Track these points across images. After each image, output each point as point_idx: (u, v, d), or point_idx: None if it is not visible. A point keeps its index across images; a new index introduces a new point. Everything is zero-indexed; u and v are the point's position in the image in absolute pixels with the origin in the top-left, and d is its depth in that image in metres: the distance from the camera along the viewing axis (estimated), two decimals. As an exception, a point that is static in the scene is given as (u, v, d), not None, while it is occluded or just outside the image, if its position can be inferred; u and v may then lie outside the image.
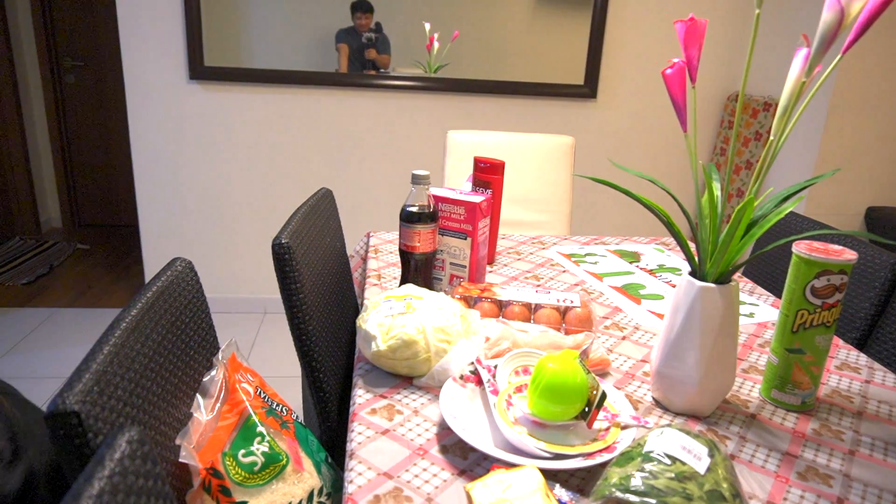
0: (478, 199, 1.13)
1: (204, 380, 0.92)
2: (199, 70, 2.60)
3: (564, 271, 1.44)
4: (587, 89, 2.82)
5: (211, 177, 2.74)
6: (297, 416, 1.03)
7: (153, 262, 2.84)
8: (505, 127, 2.84)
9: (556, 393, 0.76)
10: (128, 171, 4.01)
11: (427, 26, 2.69)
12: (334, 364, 1.27)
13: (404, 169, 2.84)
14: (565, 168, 2.06)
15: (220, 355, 0.96)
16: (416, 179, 1.09)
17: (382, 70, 2.72)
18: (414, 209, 1.10)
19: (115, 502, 0.50)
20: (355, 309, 1.55)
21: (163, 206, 2.75)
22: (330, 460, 1.02)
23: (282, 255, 1.09)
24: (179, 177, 2.72)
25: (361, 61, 2.69)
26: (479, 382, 0.89)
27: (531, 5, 2.68)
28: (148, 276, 2.87)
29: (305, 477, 0.91)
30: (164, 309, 0.86)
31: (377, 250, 1.48)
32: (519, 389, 0.86)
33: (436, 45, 2.75)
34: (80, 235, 3.94)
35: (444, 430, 0.82)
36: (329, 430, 1.21)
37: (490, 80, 2.76)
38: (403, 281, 1.15)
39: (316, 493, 0.91)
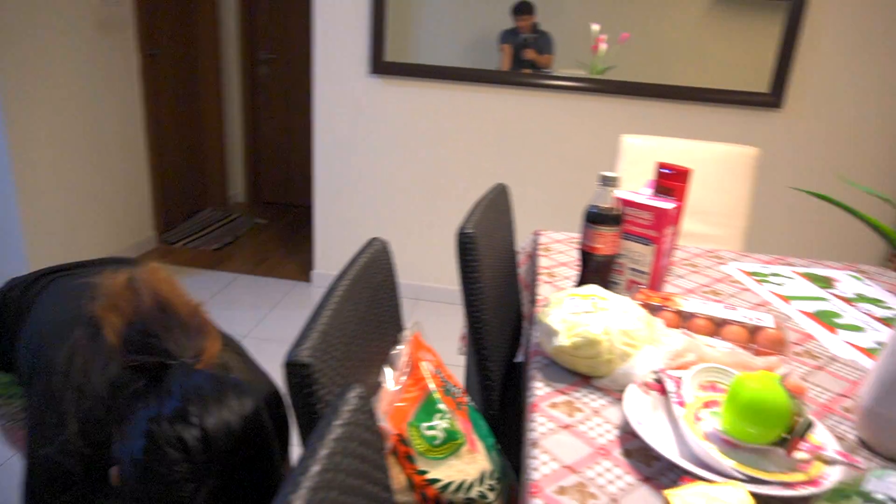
0: (667, 205, 1.10)
1: (392, 353, 0.99)
2: (380, 65, 2.76)
3: (746, 289, 1.35)
4: (772, 97, 2.62)
5: (383, 165, 2.90)
6: (469, 400, 1.07)
7: (322, 241, 3.07)
8: (675, 133, 2.72)
9: (755, 414, 0.73)
10: (305, 155, 4.36)
11: (595, 27, 2.64)
12: (500, 354, 1.30)
13: (568, 169, 2.82)
14: (746, 181, 1.93)
15: (406, 332, 1.03)
16: (605, 181, 1.08)
17: (543, 70, 2.72)
18: (599, 210, 1.09)
19: (347, 448, 0.55)
20: (518, 304, 1.58)
21: (336, 189, 2.97)
22: (498, 446, 1.05)
23: (466, 244, 1.13)
24: (354, 163, 2.91)
25: (521, 61, 2.72)
26: (663, 392, 0.87)
27: (706, 7, 2.53)
28: (317, 254, 3.11)
29: (478, 458, 0.94)
30: (366, 282, 0.93)
31: (548, 248, 1.49)
32: (707, 405, 0.83)
33: (602, 46, 2.69)
34: (260, 211, 4.36)
35: (627, 434, 0.81)
36: (491, 418, 1.24)
37: (662, 83, 2.65)
38: (581, 281, 1.15)
39: (487, 475, 0.94)
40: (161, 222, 3.59)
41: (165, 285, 0.94)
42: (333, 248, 3.09)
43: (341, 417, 0.56)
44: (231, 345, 1.02)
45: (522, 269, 1.66)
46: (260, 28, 4.17)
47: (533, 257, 1.62)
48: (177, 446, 0.72)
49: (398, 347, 1.00)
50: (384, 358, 0.97)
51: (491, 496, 0.93)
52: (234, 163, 4.42)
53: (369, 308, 0.92)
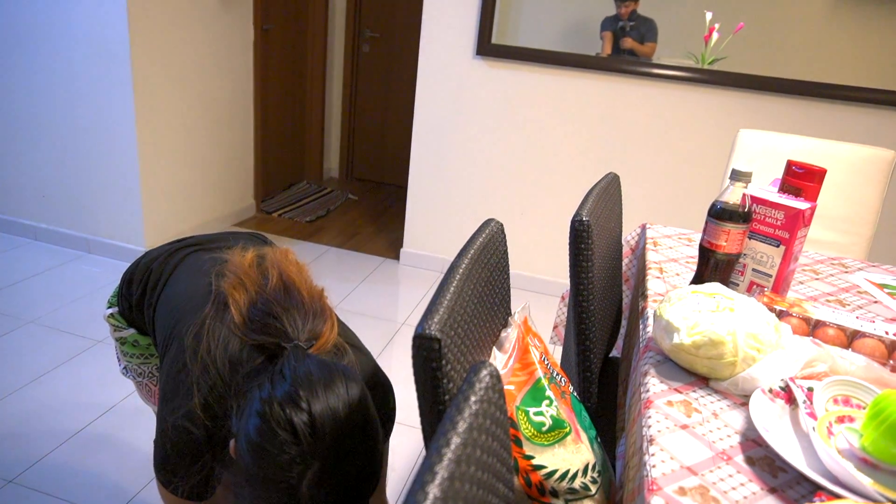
0: (802, 205, 1.03)
1: (502, 335, 0.99)
2: (486, 47, 2.74)
3: (875, 302, 1.26)
4: (910, 97, 2.40)
5: (481, 149, 2.90)
6: (572, 390, 1.05)
7: (413, 220, 3.12)
8: (795, 131, 2.55)
9: (904, 435, 0.67)
10: (401, 135, 4.42)
11: (709, 16, 2.51)
12: (601, 347, 1.27)
13: (675, 161, 2.71)
14: (877, 185, 1.79)
15: (515, 315, 1.02)
16: (736, 175, 1.03)
17: (645, 59, 2.62)
18: (726, 206, 1.04)
19: (483, 426, 0.56)
20: (620, 297, 1.54)
21: (432, 170, 2.99)
22: (598, 439, 1.03)
23: (581, 232, 1.11)
24: (451, 145, 2.93)
25: (621, 49, 2.63)
26: (790, 401, 0.83)
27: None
28: (407, 233, 3.16)
29: (583, 449, 0.93)
30: (483, 263, 0.94)
31: (656, 243, 1.44)
32: (841, 419, 0.78)
33: (715, 36, 2.56)
34: (353, 187, 4.47)
35: (750, 441, 0.77)
36: (588, 411, 1.22)
37: (782, 77, 2.49)
38: (697, 278, 1.10)
39: (591, 467, 0.93)
40: (261, 192, 3.75)
41: (293, 268, 0.98)
42: (424, 228, 3.13)
43: (476, 394, 0.57)
44: (347, 334, 1.05)
45: (625, 262, 1.61)
46: (366, 7, 4.25)
47: (638, 251, 1.58)
48: (286, 428, 0.75)
49: (508, 330, 0.99)
50: (495, 339, 0.98)
51: (593, 489, 0.92)
52: (331, 138, 4.55)
53: (485, 288, 0.92)
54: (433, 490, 0.44)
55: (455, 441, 0.50)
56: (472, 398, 0.56)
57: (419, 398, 0.71)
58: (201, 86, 3.00)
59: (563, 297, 1.71)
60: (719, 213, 1.04)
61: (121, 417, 1.91)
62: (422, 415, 0.73)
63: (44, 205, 2.97)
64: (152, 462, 0.96)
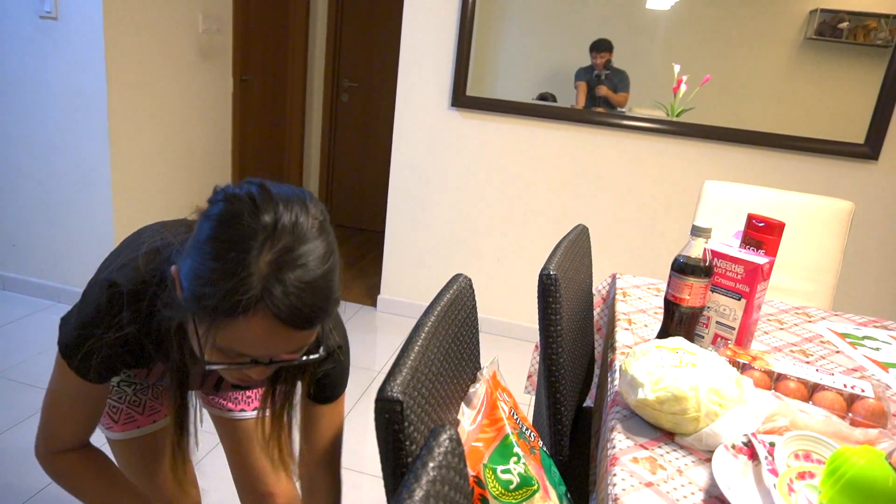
0: (761, 260, 1.06)
1: (470, 390, 0.99)
2: (461, 99, 2.81)
3: (838, 352, 1.28)
4: (867, 149, 2.51)
5: (457, 197, 2.94)
6: (542, 445, 1.05)
7: (391, 267, 3.13)
8: (759, 181, 2.64)
9: (861, 493, 0.68)
10: (379, 182, 4.47)
11: (677, 68, 2.61)
12: (572, 398, 1.28)
13: (645, 212, 2.77)
14: (838, 236, 1.84)
15: (484, 371, 1.03)
16: (696, 231, 1.06)
17: (618, 109, 2.71)
18: (688, 261, 1.07)
19: (440, 493, 0.56)
20: (592, 347, 1.55)
21: (409, 217, 3.02)
22: (569, 495, 1.03)
23: (548, 286, 1.13)
24: (428, 193, 2.96)
25: (596, 98, 2.72)
26: (753, 456, 0.83)
27: (795, 51, 2.46)
28: (384, 279, 3.16)
29: (551, 507, 0.92)
30: (451, 319, 0.94)
31: (626, 294, 1.47)
32: (801, 475, 0.79)
33: (683, 87, 2.66)
34: (330, 233, 4.48)
35: (713, 499, 0.78)
36: (560, 464, 1.21)
37: (747, 129, 2.59)
38: (663, 331, 1.12)
39: (559, 525, 0.92)
40: (239, 238, 3.74)
41: None
42: (401, 274, 3.13)
43: (435, 459, 0.57)
44: None
45: (597, 312, 1.63)
46: (345, 58, 4.34)
47: (609, 300, 1.60)
48: (249, 201, 0.68)
49: (476, 385, 1.00)
50: (463, 395, 0.98)
51: (562, 547, 0.91)
52: (310, 184, 4.58)
53: (452, 345, 0.93)
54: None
55: (420, 492, 0.50)
56: (431, 464, 0.56)
57: (382, 460, 0.71)
58: (179, 135, 3.02)
59: (536, 347, 1.71)
60: (682, 268, 1.07)
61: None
62: (385, 477, 0.72)
63: (13, 254, 2.93)
64: (58, 347, 0.85)
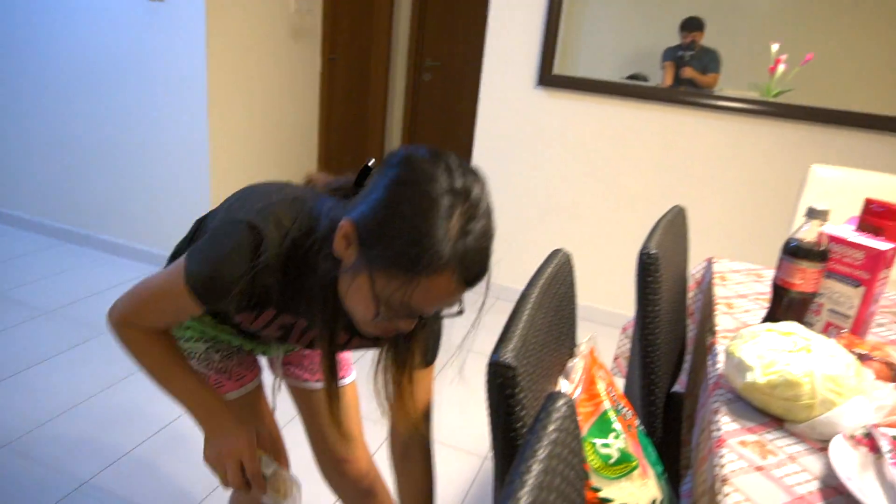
0: (884, 246, 1.00)
1: (568, 365, 0.99)
2: (547, 77, 2.77)
3: (961, 348, 1.20)
4: None
5: (541, 178, 2.91)
6: (638, 424, 1.04)
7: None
8: (868, 166, 2.46)
9: None
10: (455, 161, 4.48)
11: (775, 47, 2.47)
12: (665, 382, 1.25)
13: (739, 195, 2.65)
14: (961, 225, 1.70)
15: (582, 346, 1.02)
16: (812, 213, 1.01)
17: (706, 89, 2.59)
18: (802, 244, 1.02)
19: (560, 455, 0.56)
20: (684, 332, 1.51)
21: (493, 199, 3.02)
22: (666, 475, 1.01)
23: (648, 265, 1.11)
24: (512, 173, 2.95)
25: (682, 80, 2.61)
26: (874, 449, 0.80)
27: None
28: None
29: (650, 484, 0.92)
30: (553, 292, 0.95)
31: (724, 277, 1.42)
32: (929, 471, 0.75)
33: (781, 67, 2.51)
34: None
35: (830, 489, 0.75)
36: (654, 446, 1.20)
37: (854, 111, 2.41)
38: (770, 317, 1.08)
39: (657, 503, 0.91)
40: (322, 214, 3.86)
41: None
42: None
43: (554, 423, 0.57)
44: None
45: (690, 296, 1.59)
46: (428, 37, 4.36)
47: (703, 285, 1.55)
48: (433, 165, 0.72)
49: (574, 360, 1.00)
50: (561, 369, 0.98)
51: (659, 526, 0.90)
52: (390, 164, 4.65)
53: (553, 318, 0.93)
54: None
55: (536, 469, 0.51)
56: (551, 427, 0.57)
57: (492, 425, 0.73)
58: (271, 113, 3.14)
59: (623, 329, 1.69)
60: (794, 251, 1.02)
61: (190, 424, 1.98)
62: (494, 440, 0.74)
63: (122, 220, 3.14)
64: (184, 273, 0.84)
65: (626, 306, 2.93)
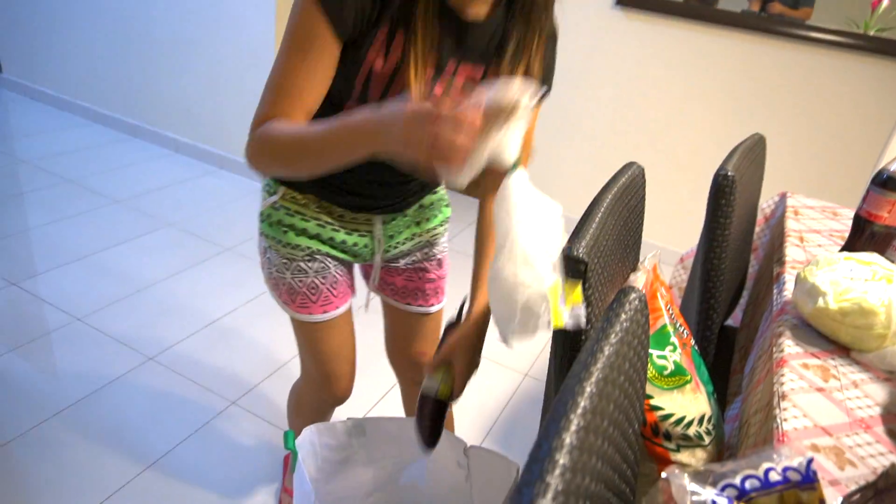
0: None
1: (631, 277, 0.98)
2: (626, -3, 2.62)
3: None
4: None
5: (616, 101, 2.81)
6: (693, 343, 1.04)
7: (536, 169, 3.09)
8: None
9: None
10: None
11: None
12: (723, 309, 1.24)
13: (823, 132, 2.49)
14: None
15: (646, 261, 1.01)
16: (913, 142, 0.95)
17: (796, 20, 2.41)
18: (895, 175, 0.96)
19: (630, 343, 0.57)
20: (746, 265, 1.48)
21: (559, 120, 2.94)
22: (716, 395, 1.02)
23: (723, 188, 1.07)
24: (585, 98, 2.85)
25: (769, 13, 2.43)
26: (944, 383, 0.78)
27: None
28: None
29: (701, 399, 0.92)
30: (624, 202, 0.93)
31: (797, 212, 1.36)
32: None
33: (885, 2, 2.30)
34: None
35: (893, 415, 0.74)
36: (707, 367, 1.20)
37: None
38: (848, 248, 1.04)
39: (707, 418, 0.92)
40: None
41: None
42: (545, 178, 3.10)
43: (627, 313, 0.58)
44: None
45: (757, 230, 1.54)
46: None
47: (773, 220, 1.50)
48: None
49: (637, 274, 0.99)
50: (624, 280, 0.98)
51: (707, 439, 0.92)
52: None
53: (623, 228, 0.92)
54: (589, 386, 0.47)
55: (608, 350, 0.51)
56: (623, 316, 0.57)
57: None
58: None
59: (681, 259, 1.66)
60: (885, 182, 0.97)
61: (246, 317, 2.08)
62: (554, 339, 0.75)
63: (187, 119, 3.21)
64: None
65: (681, 242, 2.86)
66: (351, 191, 1.03)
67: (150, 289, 2.15)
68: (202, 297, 2.15)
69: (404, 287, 1.21)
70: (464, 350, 0.98)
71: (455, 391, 1.00)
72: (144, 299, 2.10)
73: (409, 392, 1.37)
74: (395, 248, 1.15)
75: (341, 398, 1.22)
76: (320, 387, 1.20)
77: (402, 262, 1.18)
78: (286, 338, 2.00)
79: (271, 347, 1.96)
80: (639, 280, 0.98)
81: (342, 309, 1.12)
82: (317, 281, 1.08)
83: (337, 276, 1.10)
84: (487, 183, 0.70)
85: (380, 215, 1.09)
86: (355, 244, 1.10)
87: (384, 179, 1.02)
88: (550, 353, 0.82)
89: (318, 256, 1.06)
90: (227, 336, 1.99)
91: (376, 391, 1.84)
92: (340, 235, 1.07)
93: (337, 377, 1.19)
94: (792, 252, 1.15)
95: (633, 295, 0.60)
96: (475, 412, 1.83)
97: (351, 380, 1.21)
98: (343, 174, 0.95)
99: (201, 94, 3.09)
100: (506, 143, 0.65)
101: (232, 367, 1.86)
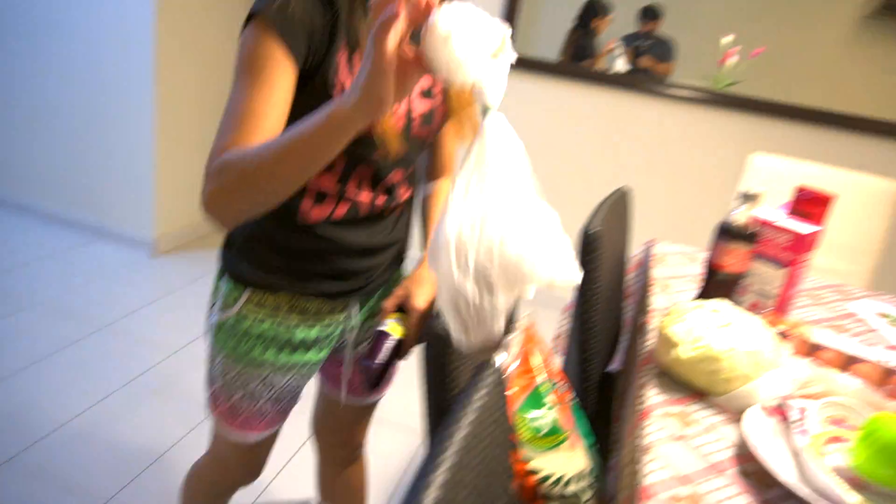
0: (807, 229, 1.05)
1: (507, 338, 1.01)
2: (503, 58, 2.77)
3: (873, 330, 1.27)
4: (921, 131, 2.42)
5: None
6: (573, 397, 1.07)
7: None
8: (805, 158, 2.56)
9: (892, 456, 0.69)
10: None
11: (725, 40, 2.54)
12: (600, 360, 1.29)
13: (684, 181, 2.72)
14: (884, 217, 1.80)
15: (521, 321, 1.04)
16: (746, 197, 1.05)
17: (660, 77, 2.66)
18: (733, 226, 1.06)
19: (485, 419, 0.58)
20: (620, 312, 1.56)
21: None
22: (597, 445, 1.05)
23: (590, 244, 1.13)
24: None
25: (638, 68, 2.67)
26: (785, 419, 0.84)
27: (853, 27, 2.37)
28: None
29: (578, 455, 0.94)
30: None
31: (662, 259, 1.46)
32: (833, 440, 0.80)
33: (732, 59, 2.58)
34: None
35: (743, 455, 0.79)
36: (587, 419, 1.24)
37: (796, 105, 2.51)
38: (702, 295, 1.12)
39: (584, 474, 0.94)
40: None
41: None
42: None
43: (480, 391, 0.59)
44: None
45: (629, 277, 1.63)
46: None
47: (643, 267, 1.60)
48: None
49: (512, 335, 1.01)
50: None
51: (585, 497, 0.94)
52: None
53: (492, 292, 0.94)
54: (439, 477, 0.46)
55: (462, 432, 0.52)
56: (475, 395, 0.58)
57: (428, 393, 0.74)
58: (221, 79, 3.04)
59: (565, 309, 1.72)
60: (726, 233, 1.07)
61: (122, 403, 1.93)
62: (428, 410, 0.75)
63: (55, 188, 3.00)
64: (248, 16, 0.82)
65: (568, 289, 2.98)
66: (332, 274, 0.97)
67: (6, 381, 1.95)
68: (69, 385, 1.98)
69: (353, 378, 1.16)
70: (420, 294, 0.98)
71: (410, 336, 0.97)
72: (3, 391, 1.90)
73: (329, 473, 1.31)
74: (364, 333, 1.11)
75: (255, 479, 1.16)
76: (235, 470, 1.13)
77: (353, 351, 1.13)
78: (174, 419, 1.86)
79: (150, 434, 1.83)
80: (514, 342, 1.01)
81: (276, 429, 1.08)
82: (267, 406, 1.01)
83: (298, 388, 1.05)
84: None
85: (357, 297, 1.04)
86: (328, 336, 1.04)
87: (372, 243, 0.99)
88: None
89: (280, 373, 1.00)
90: (100, 427, 1.83)
91: (282, 454, 1.75)
92: (314, 332, 1.00)
93: (259, 464, 1.13)
94: (656, 300, 1.23)
95: (488, 371, 0.61)
96: (375, 478, 1.78)
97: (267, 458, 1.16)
98: (329, 243, 0.94)
99: (71, 159, 2.92)
100: (489, 79, 0.60)
101: (105, 462, 1.70)
